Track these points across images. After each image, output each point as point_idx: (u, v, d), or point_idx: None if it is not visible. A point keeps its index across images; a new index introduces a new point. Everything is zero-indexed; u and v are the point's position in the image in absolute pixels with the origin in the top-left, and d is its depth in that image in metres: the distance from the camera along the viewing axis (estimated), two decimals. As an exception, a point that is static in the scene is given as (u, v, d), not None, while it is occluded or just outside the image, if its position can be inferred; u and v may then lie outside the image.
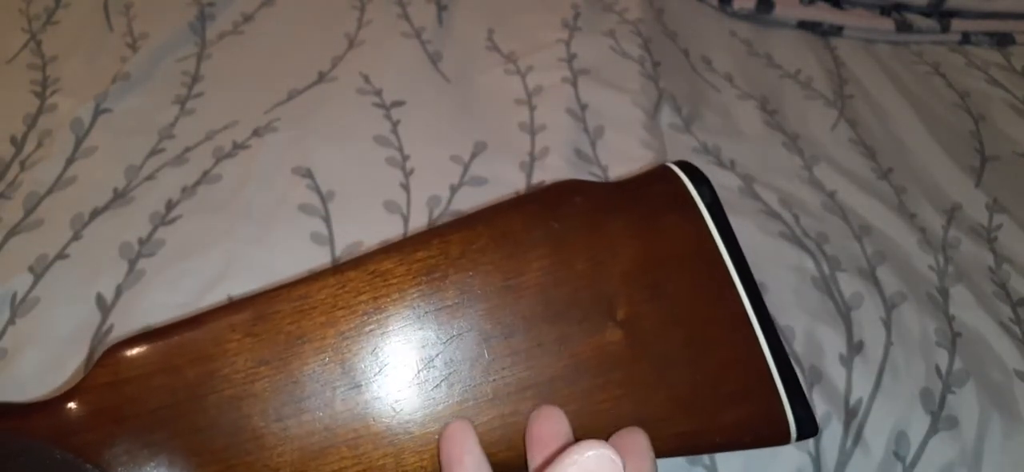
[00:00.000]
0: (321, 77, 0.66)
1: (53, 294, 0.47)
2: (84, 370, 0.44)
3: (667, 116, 0.67)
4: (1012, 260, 0.59)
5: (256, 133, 0.60)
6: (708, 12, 0.85)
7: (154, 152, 0.58)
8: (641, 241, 0.31)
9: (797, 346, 0.50)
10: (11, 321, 0.46)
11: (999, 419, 0.48)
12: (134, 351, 0.28)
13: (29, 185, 0.54)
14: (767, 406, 0.31)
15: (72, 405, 0.27)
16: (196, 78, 0.66)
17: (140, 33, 0.70)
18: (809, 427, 0.31)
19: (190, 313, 0.29)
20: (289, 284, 0.29)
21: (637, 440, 0.27)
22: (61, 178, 0.55)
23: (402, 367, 0.29)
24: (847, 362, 0.50)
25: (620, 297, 0.30)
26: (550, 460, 0.25)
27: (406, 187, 0.57)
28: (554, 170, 0.59)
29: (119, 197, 0.54)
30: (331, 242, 0.52)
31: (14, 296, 0.47)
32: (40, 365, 0.44)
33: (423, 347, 0.29)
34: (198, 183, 0.55)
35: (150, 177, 0.56)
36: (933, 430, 0.47)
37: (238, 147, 0.59)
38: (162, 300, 0.47)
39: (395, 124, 0.62)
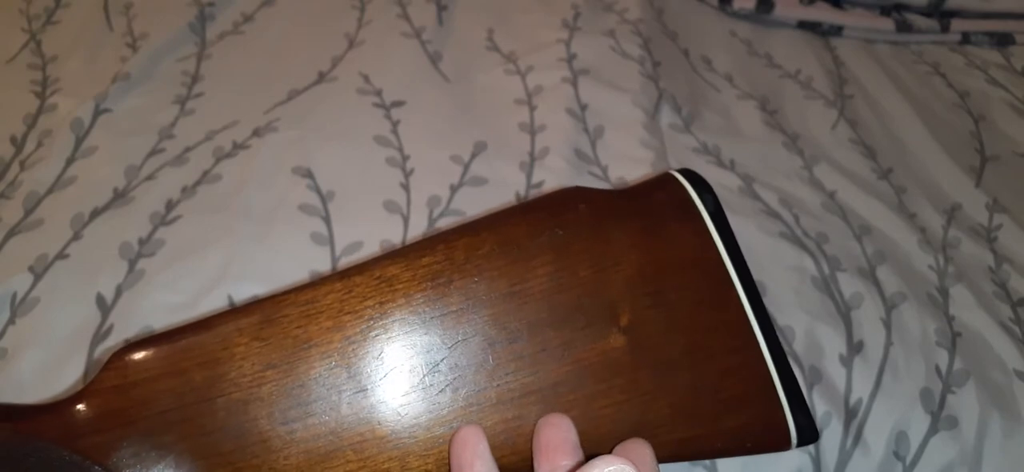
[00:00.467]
0: (321, 77, 0.66)
1: (53, 294, 0.47)
2: (84, 370, 0.44)
3: (667, 116, 0.67)
4: (1012, 260, 0.59)
5: (256, 133, 0.60)
6: (708, 12, 0.85)
7: (154, 152, 0.58)
8: (644, 248, 0.32)
9: (797, 346, 0.50)
10: (11, 321, 0.46)
11: (999, 419, 0.48)
12: (142, 354, 0.28)
13: (29, 185, 0.54)
14: (768, 412, 0.31)
15: (81, 407, 0.27)
16: (196, 78, 0.66)
17: (140, 33, 0.70)
18: (809, 434, 0.31)
19: (197, 317, 0.29)
20: (296, 289, 0.29)
21: (642, 452, 0.27)
22: (61, 178, 0.55)
23: (407, 372, 0.29)
24: (847, 362, 0.50)
25: (623, 303, 0.31)
26: None
27: (406, 187, 0.57)
28: (554, 170, 0.59)
29: (119, 197, 0.54)
30: (331, 242, 0.52)
31: (14, 296, 0.47)
32: (40, 365, 0.44)
33: (428, 352, 0.29)
34: (198, 183, 0.55)
35: (150, 177, 0.56)
36: (933, 430, 0.47)
37: (238, 147, 0.59)
38: (162, 300, 0.47)
39: (395, 124, 0.62)
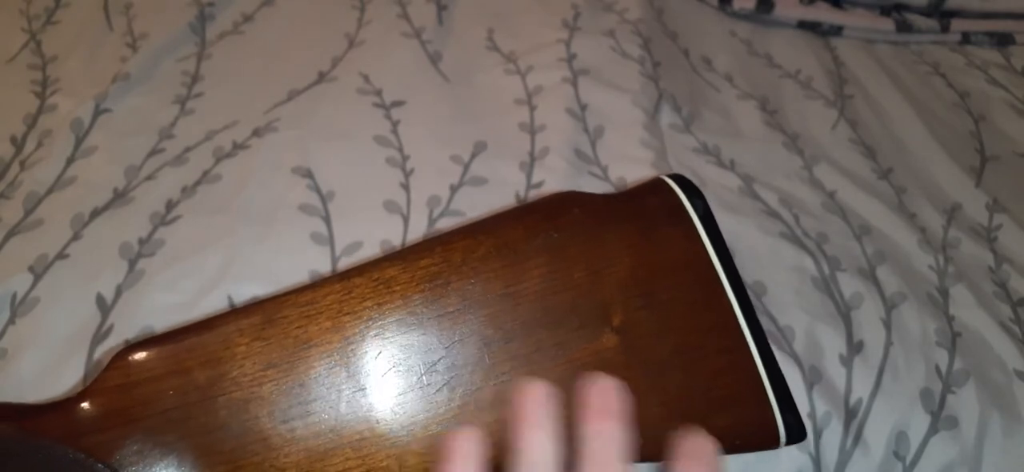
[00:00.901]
0: (321, 77, 0.66)
1: (53, 294, 0.47)
2: (84, 370, 0.44)
3: (667, 116, 0.67)
4: (1012, 260, 0.59)
5: (256, 133, 0.60)
6: (708, 12, 0.85)
7: (154, 152, 0.58)
8: (637, 251, 0.33)
9: (797, 346, 0.50)
10: (11, 321, 0.46)
11: (999, 419, 0.48)
12: (145, 354, 0.28)
13: (29, 185, 0.54)
14: (757, 412, 0.32)
15: (84, 406, 0.27)
16: (196, 78, 0.66)
17: (140, 33, 0.70)
18: (797, 432, 0.32)
19: (198, 317, 0.29)
20: (296, 290, 0.30)
21: (704, 447, 0.27)
22: (61, 178, 0.55)
23: (405, 371, 0.29)
24: (847, 362, 0.50)
25: (616, 305, 0.31)
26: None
27: (406, 187, 0.57)
28: (554, 170, 0.59)
29: (119, 197, 0.54)
30: (331, 242, 0.52)
31: (14, 296, 0.47)
32: (40, 365, 0.44)
33: (426, 352, 0.30)
34: (198, 183, 0.55)
35: (150, 177, 0.56)
36: (933, 430, 0.47)
37: (238, 147, 0.59)
38: (162, 300, 0.47)
39: (395, 124, 0.62)
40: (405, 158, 0.59)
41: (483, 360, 0.30)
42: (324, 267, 0.50)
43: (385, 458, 0.29)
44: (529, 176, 0.59)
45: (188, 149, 0.58)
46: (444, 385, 0.29)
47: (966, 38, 0.85)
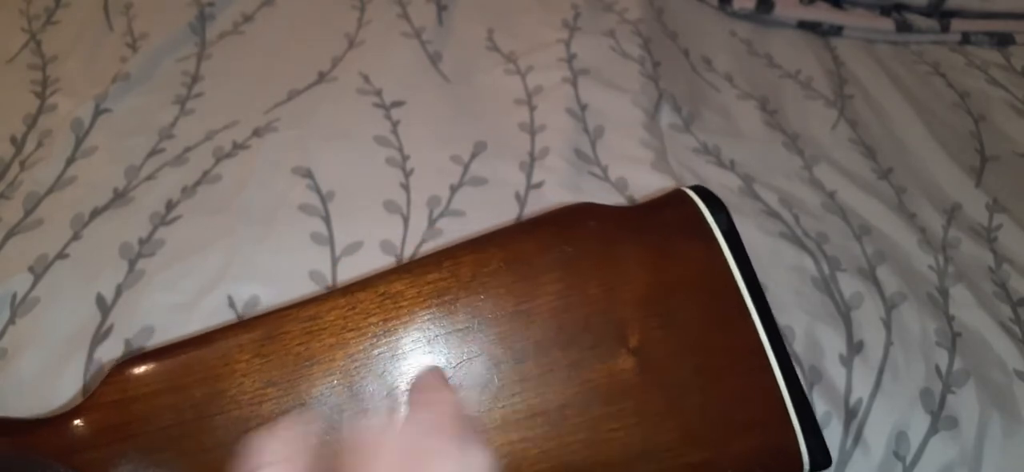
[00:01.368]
0: (321, 77, 0.66)
1: (53, 294, 0.47)
2: (84, 370, 0.44)
3: (667, 116, 0.67)
4: (1012, 260, 0.59)
5: (256, 133, 0.60)
6: (708, 12, 0.85)
7: (154, 152, 0.58)
8: (655, 267, 0.31)
9: (797, 346, 0.50)
10: (11, 321, 0.46)
11: (999, 419, 0.48)
12: (142, 369, 0.28)
13: (29, 185, 0.54)
14: (779, 437, 0.30)
15: (79, 422, 0.27)
16: (196, 78, 0.66)
17: (140, 33, 0.70)
18: (822, 459, 0.30)
19: (196, 331, 0.29)
20: (298, 304, 0.29)
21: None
22: (61, 178, 0.55)
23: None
24: (847, 362, 0.50)
25: (633, 324, 0.30)
26: None
27: (406, 187, 0.57)
28: (554, 170, 0.59)
29: (119, 197, 0.54)
30: (331, 242, 0.52)
31: (14, 296, 0.47)
32: (40, 365, 0.44)
33: None
34: (198, 183, 0.55)
35: (150, 177, 0.56)
36: (933, 430, 0.47)
37: (238, 147, 0.59)
38: (162, 300, 0.47)
39: (395, 124, 0.62)
40: (405, 158, 0.59)
41: (492, 381, 0.29)
42: (324, 267, 0.50)
43: None
44: (529, 176, 0.59)
45: (188, 149, 0.58)
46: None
47: (966, 38, 0.85)
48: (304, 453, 0.26)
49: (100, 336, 0.46)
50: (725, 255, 0.31)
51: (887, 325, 0.52)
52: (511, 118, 0.64)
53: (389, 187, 0.56)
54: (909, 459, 0.47)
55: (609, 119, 0.65)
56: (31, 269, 0.49)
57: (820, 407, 0.47)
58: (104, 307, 0.47)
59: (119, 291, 0.48)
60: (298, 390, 0.28)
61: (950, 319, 0.54)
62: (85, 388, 0.43)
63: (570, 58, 0.70)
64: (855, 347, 0.51)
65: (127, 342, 0.45)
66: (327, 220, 0.53)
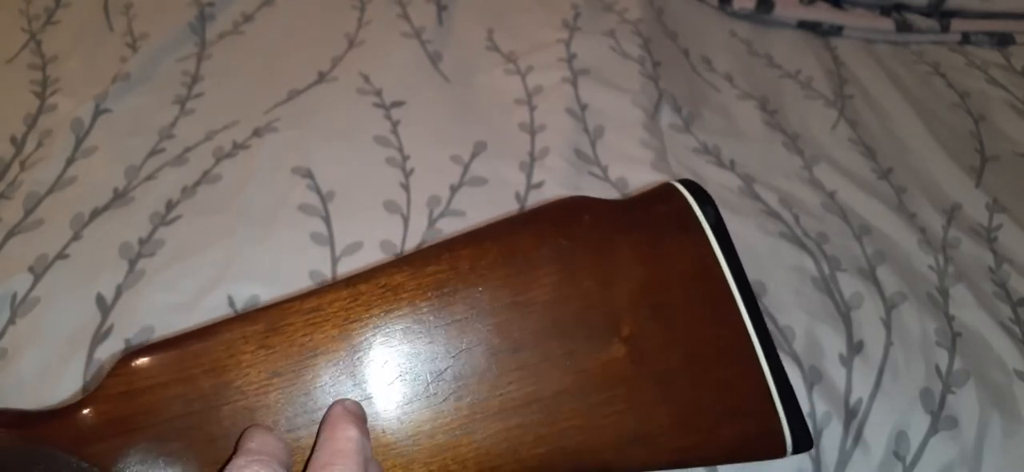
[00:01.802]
0: (321, 77, 0.66)
1: (53, 294, 0.47)
2: (84, 370, 0.44)
3: (667, 116, 0.67)
4: (1012, 260, 0.59)
5: (256, 133, 0.60)
6: (708, 12, 0.85)
7: (154, 152, 0.58)
8: (647, 260, 0.32)
9: (797, 346, 0.50)
10: (11, 321, 0.46)
11: (999, 419, 0.48)
12: (148, 360, 0.28)
13: (29, 185, 0.54)
14: (765, 422, 0.31)
15: (86, 412, 0.27)
16: (196, 78, 0.66)
17: (140, 33, 0.70)
18: (804, 442, 0.32)
19: (201, 323, 0.29)
20: (301, 296, 0.29)
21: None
22: (61, 178, 0.55)
23: (412, 380, 0.29)
24: (847, 362, 0.50)
25: (625, 315, 0.31)
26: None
27: (406, 187, 0.57)
28: (554, 170, 0.59)
29: (119, 197, 0.54)
30: (331, 242, 0.52)
31: (14, 296, 0.47)
32: (40, 365, 0.44)
33: (433, 360, 0.29)
34: (198, 183, 0.55)
35: (150, 177, 0.56)
36: (933, 430, 0.47)
37: (238, 147, 0.59)
38: (162, 300, 0.47)
39: (395, 124, 0.62)
40: (405, 158, 0.59)
41: (491, 369, 0.30)
42: (324, 267, 0.50)
43: (391, 468, 0.29)
44: (529, 176, 0.59)
45: (188, 149, 0.58)
46: (451, 394, 0.29)
47: (966, 38, 0.86)
48: (288, 450, 0.27)
49: (100, 336, 0.46)
50: (713, 248, 0.32)
51: (887, 325, 0.52)
52: (511, 118, 0.64)
53: (389, 187, 0.56)
54: (909, 459, 0.47)
55: (609, 119, 0.65)
56: (31, 269, 0.49)
57: (820, 407, 0.47)
58: (104, 307, 0.47)
59: (119, 291, 0.48)
60: (303, 380, 0.28)
61: (950, 319, 0.54)
62: (85, 388, 0.43)
63: (570, 58, 0.70)
64: (855, 347, 0.51)
65: (127, 342, 0.45)
66: (327, 220, 0.53)
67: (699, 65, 0.76)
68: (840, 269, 0.55)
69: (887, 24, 0.84)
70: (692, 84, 0.73)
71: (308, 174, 0.57)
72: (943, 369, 0.50)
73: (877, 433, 0.47)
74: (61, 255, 0.50)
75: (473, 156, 0.60)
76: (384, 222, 0.54)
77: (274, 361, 0.28)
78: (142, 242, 0.51)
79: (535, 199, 0.57)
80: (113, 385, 0.28)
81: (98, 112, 0.60)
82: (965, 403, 0.49)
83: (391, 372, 0.29)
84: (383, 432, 0.29)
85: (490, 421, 0.29)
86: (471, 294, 0.30)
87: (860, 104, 0.74)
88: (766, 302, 0.52)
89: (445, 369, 0.29)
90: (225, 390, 0.28)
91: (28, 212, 0.52)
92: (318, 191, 0.55)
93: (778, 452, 0.32)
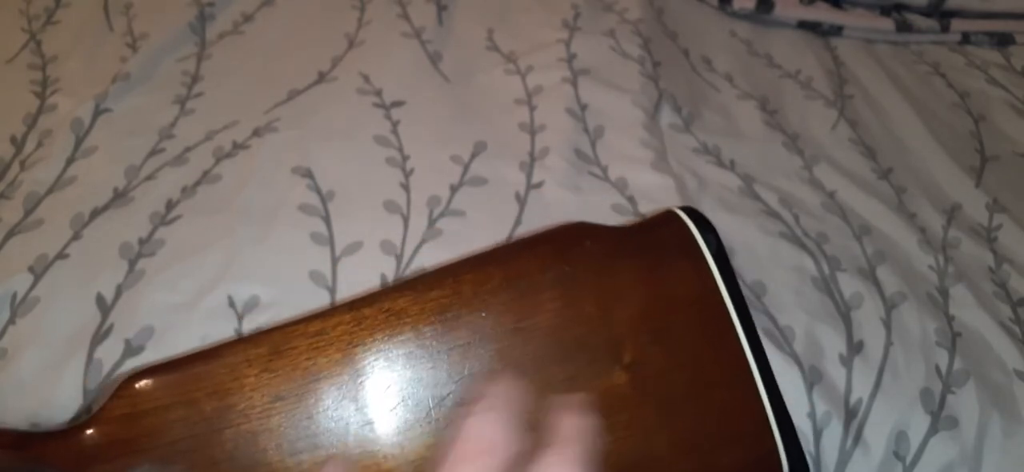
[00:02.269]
0: (321, 77, 0.66)
1: (53, 294, 0.47)
2: (84, 370, 0.44)
3: (667, 116, 0.67)
4: (1012, 260, 0.59)
5: (256, 133, 0.60)
6: (708, 12, 0.85)
7: (154, 152, 0.58)
8: (648, 286, 0.32)
9: (797, 346, 0.50)
10: (11, 321, 0.46)
11: (999, 419, 0.48)
12: (151, 383, 0.28)
13: (29, 185, 0.54)
14: (763, 449, 0.32)
15: (90, 433, 0.27)
16: (196, 78, 0.66)
17: (140, 33, 0.70)
18: (800, 467, 0.32)
19: (205, 346, 0.29)
20: (305, 319, 0.29)
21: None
22: (61, 178, 0.55)
23: (415, 405, 0.29)
24: (847, 362, 0.50)
25: (627, 340, 0.31)
26: None
27: (406, 187, 0.57)
28: (554, 170, 0.59)
29: (119, 197, 0.54)
30: (331, 242, 0.52)
31: (14, 296, 0.47)
32: (40, 365, 0.44)
33: (435, 386, 0.29)
34: (198, 183, 0.55)
35: (150, 177, 0.56)
36: (933, 430, 0.47)
37: (238, 147, 0.59)
38: (162, 300, 0.47)
39: (395, 124, 0.62)
40: (405, 158, 0.59)
41: None
42: (324, 267, 0.50)
43: None
44: (529, 176, 0.59)
45: (188, 149, 0.58)
46: (453, 420, 0.29)
47: (966, 38, 0.85)
48: None
49: (100, 336, 0.46)
50: (714, 275, 0.33)
51: (887, 325, 0.52)
52: (511, 118, 0.64)
53: (389, 187, 0.56)
54: (909, 459, 0.47)
55: (609, 119, 0.65)
56: (31, 269, 0.49)
57: (820, 407, 0.47)
58: (104, 307, 0.47)
59: (119, 291, 0.48)
60: (306, 404, 0.28)
61: (950, 319, 0.54)
62: (85, 388, 0.43)
63: (570, 58, 0.70)
64: (855, 347, 0.51)
65: (127, 342, 0.45)
66: (327, 220, 0.53)
67: (699, 65, 0.76)
68: (840, 269, 0.55)
69: (887, 24, 0.84)
70: (692, 84, 0.73)
71: (308, 174, 0.57)
72: (943, 369, 0.50)
73: (877, 433, 0.47)
74: (61, 255, 0.50)
75: (473, 156, 0.60)
76: (384, 222, 0.54)
77: (277, 384, 0.28)
78: (142, 242, 0.51)
79: (535, 199, 0.57)
80: (116, 407, 0.28)
81: (98, 112, 0.60)
82: (965, 403, 0.49)
83: (394, 398, 0.29)
84: (384, 459, 0.29)
85: None
86: (474, 319, 0.30)
87: (860, 104, 0.74)
88: (766, 302, 0.52)
89: (447, 395, 0.29)
90: (228, 413, 0.28)
91: (28, 212, 0.52)
92: (318, 191, 0.55)
93: None
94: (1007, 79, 0.80)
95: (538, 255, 0.32)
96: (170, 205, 0.53)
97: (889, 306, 0.53)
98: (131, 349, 0.45)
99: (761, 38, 0.82)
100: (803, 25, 0.84)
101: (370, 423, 0.29)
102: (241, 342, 0.29)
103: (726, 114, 0.70)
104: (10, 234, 0.51)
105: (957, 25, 0.86)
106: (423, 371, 0.29)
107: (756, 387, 0.32)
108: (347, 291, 0.49)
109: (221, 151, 0.58)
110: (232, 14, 0.73)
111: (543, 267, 0.32)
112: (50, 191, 0.54)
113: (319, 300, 0.48)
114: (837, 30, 0.84)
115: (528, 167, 0.60)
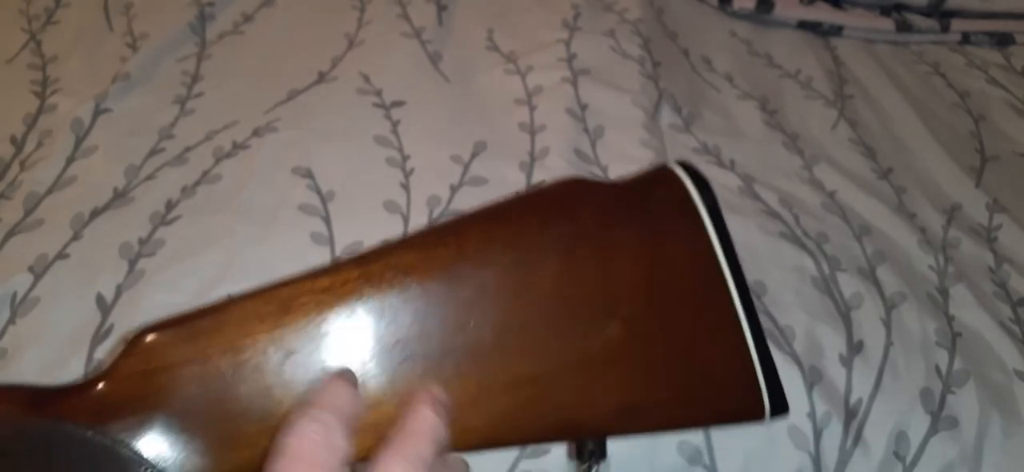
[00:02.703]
0: (321, 77, 0.66)
1: (53, 294, 0.47)
2: (84, 370, 0.44)
3: (667, 116, 0.67)
4: (1012, 260, 0.59)
5: (256, 133, 0.60)
6: (708, 12, 0.85)
7: (154, 152, 0.58)
8: (645, 244, 0.33)
9: (797, 346, 0.50)
10: (11, 321, 0.46)
11: (999, 419, 0.48)
12: (164, 340, 0.28)
13: (29, 185, 0.54)
14: (748, 392, 0.33)
15: (102, 388, 0.28)
16: (196, 78, 0.66)
17: (140, 33, 0.70)
18: (782, 407, 0.34)
19: (213, 302, 0.29)
20: (313, 274, 0.30)
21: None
22: (61, 178, 0.55)
23: (421, 358, 0.30)
24: (847, 362, 0.50)
25: (624, 296, 0.32)
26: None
27: (406, 187, 0.57)
28: (554, 170, 0.59)
29: (119, 197, 0.54)
30: (331, 242, 0.52)
31: (14, 296, 0.47)
32: (40, 365, 0.44)
33: (442, 339, 0.30)
34: (198, 183, 0.55)
35: (150, 177, 0.56)
36: (933, 430, 0.47)
37: (238, 147, 0.59)
38: (162, 300, 0.47)
39: (395, 124, 0.62)
40: (405, 158, 0.59)
41: (497, 348, 0.31)
42: (324, 267, 0.50)
43: None
44: (529, 176, 0.59)
45: (188, 149, 0.58)
46: (458, 371, 0.30)
47: (966, 38, 0.86)
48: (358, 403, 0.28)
49: (100, 336, 0.46)
50: (708, 230, 0.34)
51: (887, 325, 0.52)
52: (511, 118, 0.64)
53: (389, 187, 0.56)
54: (909, 459, 0.47)
55: (609, 119, 0.65)
56: (31, 269, 0.49)
57: (820, 407, 0.47)
58: (104, 307, 0.47)
59: (119, 291, 0.48)
60: (318, 359, 0.29)
61: (950, 319, 0.54)
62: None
63: (570, 58, 0.70)
64: (855, 347, 0.51)
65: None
66: (327, 220, 0.53)
67: (699, 65, 0.76)
68: (840, 269, 0.55)
69: (887, 24, 0.84)
70: (692, 84, 0.73)
71: (308, 174, 0.57)
72: (943, 369, 0.50)
73: (877, 433, 0.47)
74: (61, 255, 0.50)
75: (473, 156, 0.60)
76: (384, 222, 0.54)
77: (290, 340, 0.29)
78: (142, 242, 0.51)
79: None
80: (129, 364, 0.28)
81: (98, 112, 0.60)
82: (965, 403, 0.49)
83: (401, 351, 0.30)
84: (393, 412, 0.29)
85: (495, 396, 0.30)
86: (479, 275, 0.31)
87: (860, 104, 0.74)
88: (766, 302, 0.52)
89: (453, 347, 0.30)
90: (241, 369, 0.28)
91: (28, 212, 0.52)
92: (318, 191, 0.55)
93: (757, 417, 0.34)
94: (1007, 79, 0.80)
95: (541, 213, 0.33)
96: (170, 205, 0.53)
97: (889, 306, 0.53)
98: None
99: (761, 38, 0.82)
100: (803, 25, 0.84)
101: (378, 375, 0.29)
102: (249, 298, 0.29)
103: (726, 114, 0.70)
104: (10, 234, 0.51)
105: (957, 25, 0.86)
106: (429, 325, 0.30)
107: (744, 337, 0.33)
108: (347, 291, 0.49)
109: (221, 151, 0.58)
110: (232, 14, 0.73)
111: (545, 226, 0.33)
112: (50, 191, 0.54)
113: (319, 300, 0.48)
114: (837, 30, 0.84)
115: (528, 167, 0.60)
